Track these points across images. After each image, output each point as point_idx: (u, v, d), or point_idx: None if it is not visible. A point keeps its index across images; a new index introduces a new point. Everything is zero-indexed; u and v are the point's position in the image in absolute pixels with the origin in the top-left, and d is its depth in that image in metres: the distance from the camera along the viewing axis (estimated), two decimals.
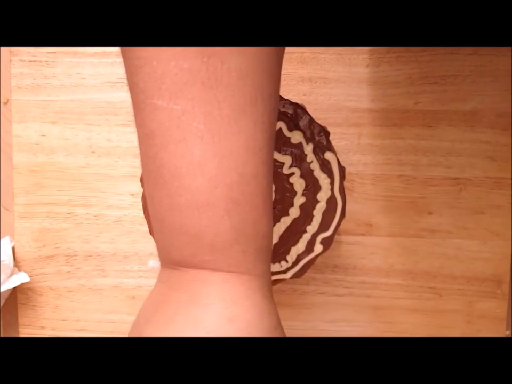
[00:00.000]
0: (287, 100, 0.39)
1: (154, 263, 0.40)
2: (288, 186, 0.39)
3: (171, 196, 0.25)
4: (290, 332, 0.47)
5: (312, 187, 0.39)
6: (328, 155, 0.39)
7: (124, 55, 0.26)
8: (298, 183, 0.39)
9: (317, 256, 0.40)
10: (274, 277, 0.41)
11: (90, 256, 0.46)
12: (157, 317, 0.25)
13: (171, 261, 0.26)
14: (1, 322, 0.47)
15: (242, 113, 0.25)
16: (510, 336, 0.46)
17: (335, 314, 0.47)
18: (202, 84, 0.24)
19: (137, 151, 0.44)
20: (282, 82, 0.44)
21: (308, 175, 0.39)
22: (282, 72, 0.44)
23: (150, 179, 0.26)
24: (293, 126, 0.39)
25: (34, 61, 0.44)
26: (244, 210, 0.25)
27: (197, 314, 0.24)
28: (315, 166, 0.39)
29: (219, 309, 0.24)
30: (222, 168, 0.24)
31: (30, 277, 0.45)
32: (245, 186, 0.25)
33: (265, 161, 0.26)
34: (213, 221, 0.25)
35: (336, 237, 0.40)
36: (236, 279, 0.26)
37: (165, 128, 0.24)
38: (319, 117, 0.43)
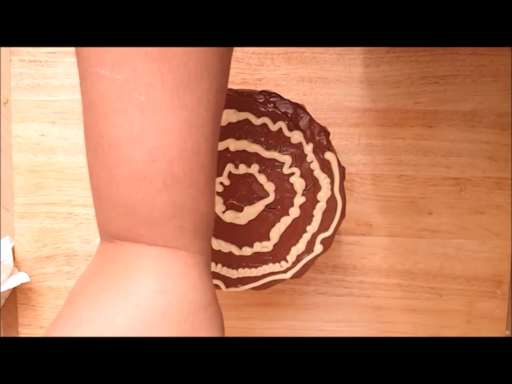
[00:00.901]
0: (287, 100, 0.39)
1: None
2: (288, 186, 0.39)
3: (109, 167, 0.25)
4: (291, 332, 0.47)
5: (312, 187, 0.39)
6: (328, 155, 0.39)
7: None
8: (298, 183, 0.39)
9: (317, 256, 0.40)
10: (274, 277, 0.41)
11: (90, 256, 0.46)
12: (89, 287, 0.25)
13: (108, 234, 0.26)
14: (1, 322, 0.47)
15: (186, 88, 0.24)
16: (510, 336, 0.46)
17: (335, 314, 0.47)
18: (146, 55, 0.24)
19: None
20: (282, 82, 0.44)
21: (307, 175, 0.39)
22: (282, 72, 0.44)
23: (90, 149, 0.26)
24: (293, 126, 0.39)
25: (34, 61, 0.44)
26: (183, 186, 0.25)
27: (128, 286, 0.24)
28: (315, 166, 0.39)
29: (151, 282, 0.24)
30: (162, 142, 0.24)
31: (30, 277, 0.45)
32: (185, 162, 0.25)
33: (209, 139, 0.26)
34: (150, 195, 0.25)
35: (336, 237, 0.40)
36: (172, 254, 0.25)
37: (106, 97, 0.24)
38: (319, 117, 0.43)
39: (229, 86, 0.40)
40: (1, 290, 0.43)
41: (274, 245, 0.40)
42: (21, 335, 0.47)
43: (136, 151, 0.24)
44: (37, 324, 0.47)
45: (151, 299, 0.24)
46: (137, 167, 0.24)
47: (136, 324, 0.23)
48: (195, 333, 0.24)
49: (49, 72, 0.45)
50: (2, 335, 0.48)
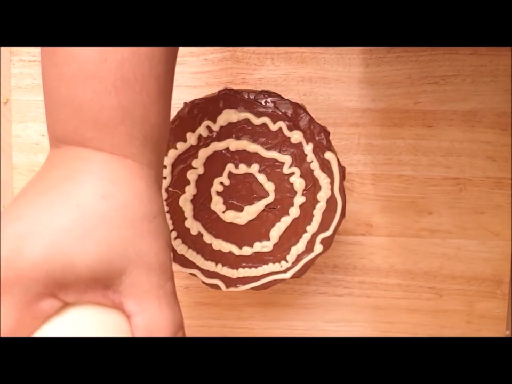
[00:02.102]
0: (287, 100, 0.39)
1: None
2: (288, 186, 0.39)
3: (59, 65, 0.25)
4: (290, 332, 0.47)
5: (312, 187, 0.39)
6: (328, 155, 0.39)
7: None
8: (298, 183, 0.39)
9: (317, 256, 0.40)
10: (274, 277, 0.41)
11: None
12: (30, 190, 0.25)
13: (55, 138, 0.26)
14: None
15: None
16: (510, 336, 0.46)
17: (335, 314, 0.47)
18: None
19: None
20: (282, 82, 0.44)
21: (308, 175, 0.39)
22: (282, 72, 0.44)
23: (43, 50, 0.26)
24: (293, 126, 0.39)
25: (34, 61, 0.44)
26: (133, 90, 0.25)
27: (69, 188, 0.24)
28: (315, 166, 0.39)
29: (94, 186, 0.24)
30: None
31: None
32: (137, 66, 0.25)
33: (163, 49, 0.26)
34: (99, 95, 0.24)
35: (336, 237, 0.40)
36: (118, 162, 0.25)
37: None
38: (319, 117, 0.43)
39: (229, 86, 0.40)
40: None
41: (274, 245, 0.40)
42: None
43: (86, 49, 0.24)
44: None
45: (92, 202, 0.23)
46: (87, 66, 0.24)
47: (76, 224, 0.23)
48: (137, 242, 0.24)
49: None
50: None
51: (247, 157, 0.39)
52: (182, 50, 0.44)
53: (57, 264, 0.22)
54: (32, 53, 0.44)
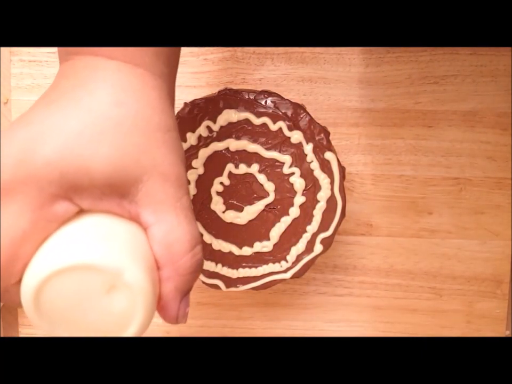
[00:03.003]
0: (287, 99, 0.39)
1: None
2: (288, 186, 0.39)
3: None
4: (290, 332, 0.47)
5: (312, 187, 0.39)
6: (328, 155, 0.39)
7: None
8: (298, 183, 0.39)
9: (317, 256, 0.40)
10: (274, 277, 0.41)
11: None
12: (41, 100, 0.24)
13: (65, 52, 0.26)
14: (1, 322, 0.47)
15: None
16: (510, 336, 0.46)
17: (335, 314, 0.47)
18: None
19: None
20: (282, 82, 0.44)
21: (308, 175, 0.39)
22: (282, 72, 0.44)
23: None
24: (293, 126, 0.39)
25: (34, 61, 0.44)
26: None
27: (80, 95, 0.23)
28: (315, 166, 0.39)
29: (106, 93, 0.23)
30: None
31: None
32: None
33: None
34: None
35: (336, 237, 0.40)
36: (130, 70, 0.25)
37: None
38: (319, 117, 0.43)
39: (229, 86, 0.40)
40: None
41: (274, 245, 0.40)
42: (21, 335, 0.47)
43: None
44: None
45: (104, 108, 0.23)
46: None
47: (88, 128, 0.23)
48: (151, 151, 0.24)
49: (49, 72, 0.44)
50: (2, 335, 0.47)
51: (247, 157, 0.39)
52: (182, 51, 0.43)
53: (71, 165, 0.22)
54: (32, 53, 0.44)
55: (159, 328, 0.47)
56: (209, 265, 0.40)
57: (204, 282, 0.41)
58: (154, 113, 0.24)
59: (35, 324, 0.22)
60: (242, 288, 0.41)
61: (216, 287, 0.41)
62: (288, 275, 0.40)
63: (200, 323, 0.47)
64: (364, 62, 0.44)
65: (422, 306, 0.46)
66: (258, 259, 0.40)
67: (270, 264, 0.40)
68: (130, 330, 0.23)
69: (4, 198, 0.22)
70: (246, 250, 0.40)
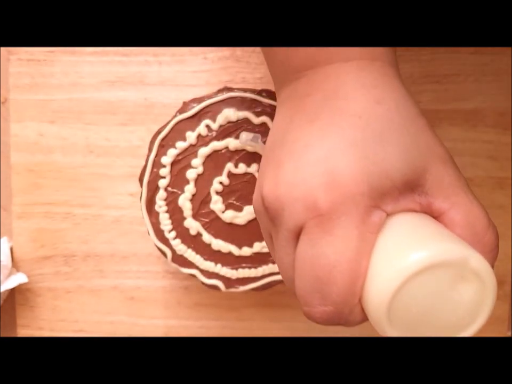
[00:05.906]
0: None
1: (247, 135, 0.36)
2: None
3: None
4: (291, 333, 0.47)
5: None
6: None
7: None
8: None
9: None
10: (274, 278, 0.40)
11: (88, 256, 0.46)
12: (292, 124, 0.24)
13: (293, 70, 0.25)
14: (0, 323, 0.47)
15: None
16: (511, 337, 0.46)
17: None
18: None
19: (135, 150, 0.44)
20: None
21: None
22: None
23: None
24: None
25: (32, 60, 0.44)
26: None
27: (339, 105, 0.23)
28: None
29: (361, 95, 0.23)
30: None
31: (28, 277, 0.45)
32: None
33: None
34: None
35: None
36: (370, 66, 0.24)
37: None
38: None
39: (228, 85, 0.40)
40: (0, 291, 0.43)
41: None
42: (19, 336, 0.47)
43: None
44: (35, 324, 0.47)
45: (370, 109, 0.23)
46: None
47: (366, 132, 0.22)
48: (423, 137, 0.24)
49: (47, 71, 0.44)
50: (0, 336, 0.47)
51: (246, 157, 0.39)
52: (182, 49, 0.43)
53: (372, 173, 0.22)
54: (30, 52, 0.44)
55: (159, 329, 0.47)
56: (208, 266, 0.40)
57: (203, 283, 0.40)
58: (407, 101, 0.24)
59: (384, 332, 0.23)
60: (242, 289, 0.40)
61: (215, 287, 0.40)
62: None
63: (199, 324, 0.47)
64: None
65: None
66: (258, 259, 0.40)
67: (270, 265, 0.40)
68: (481, 317, 0.23)
69: (327, 224, 0.22)
70: (246, 251, 0.40)
